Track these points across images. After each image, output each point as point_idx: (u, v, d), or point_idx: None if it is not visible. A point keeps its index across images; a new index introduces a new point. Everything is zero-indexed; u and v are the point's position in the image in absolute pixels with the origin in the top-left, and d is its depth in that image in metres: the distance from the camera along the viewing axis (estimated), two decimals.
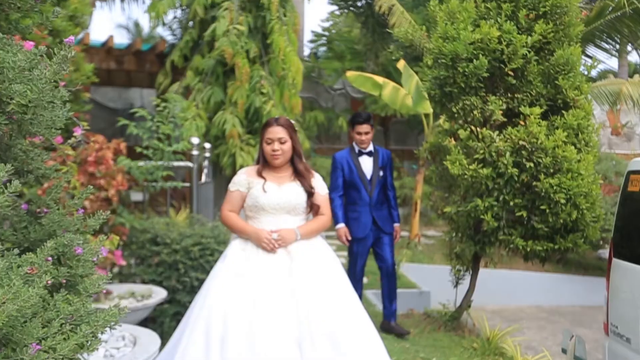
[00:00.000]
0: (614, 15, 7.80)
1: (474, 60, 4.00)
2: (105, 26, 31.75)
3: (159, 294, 3.36)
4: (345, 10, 11.78)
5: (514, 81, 4.14)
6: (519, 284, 8.18)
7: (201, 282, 3.10)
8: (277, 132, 2.84)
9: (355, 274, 4.44)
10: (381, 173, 4.39)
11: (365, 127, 4.30)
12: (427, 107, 7.39)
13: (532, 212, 4.00)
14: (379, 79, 7.88)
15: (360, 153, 4.41)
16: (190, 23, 6.83)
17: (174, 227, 3.74)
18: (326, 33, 12.84)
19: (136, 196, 4.39)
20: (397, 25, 9.57)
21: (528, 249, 4.01)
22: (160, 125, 4.04)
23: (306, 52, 12.98)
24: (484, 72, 4.01)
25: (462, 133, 4.23)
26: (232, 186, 2.87)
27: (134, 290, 3.38)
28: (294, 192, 2.84)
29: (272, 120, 2.89)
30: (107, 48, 7.76)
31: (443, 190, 4.70)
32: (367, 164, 4.39)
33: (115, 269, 3.59)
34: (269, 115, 6.11)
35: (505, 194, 3.99)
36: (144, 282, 3.61)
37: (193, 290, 3.51)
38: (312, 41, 13.08)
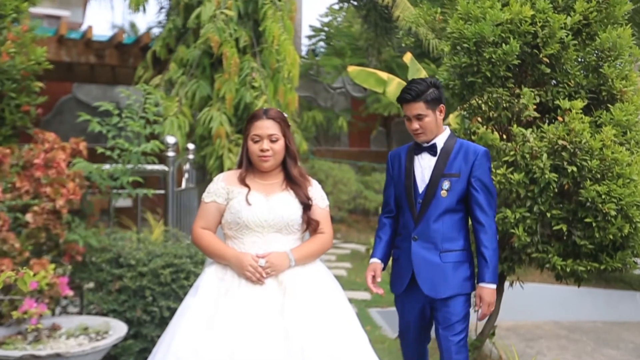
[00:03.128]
0: None
1: (503, 45, 3.37)
2: (102, 27, 31.20)
3: (118, 330, 2.70)
4: (345, 4, 11.19)
5: (548, 70, 3.52)
6: (533, 297, 7.60)
7: (173, 312, 2.45)
8: (266, 127, 2.27)
9: (403, 348, 2.96)
10: (446, 185, 2.68)
11: (415, 108, 2.68)
12: None
13: (573, 225, 3.35)
14: (383, 75, 7.29)
15: (419, 148, 2.80)
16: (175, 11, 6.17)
17: (143, 244, 3.08)
18: (325, 28, 12.26)
19: (123, 202, 3.75)
20: (401, 18, 9.04)
21: (568, 269, 3.36)
22: (128, 121, 3.38)
23: (304, 48, 12.42)
24: (514, 59, 3.38)
25: (487, 133, 3.62)
26: (207, 196, 2.27)
27: (88, 324, 2.72)
28: (286, 204, 2.26)
29: (260, 113, 2.29)
30: (85, 40, 7.09)
31: None
32: (423, 167, 2.77)
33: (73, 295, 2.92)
34: None
35: (540, 204, 3.36)
36: (102, 312, 2.94)
37: (164, 322, 2.86)
38: (310, 37, 12.49)
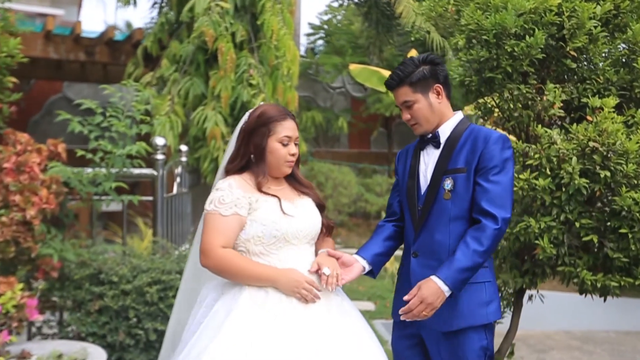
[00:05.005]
0: None
1: (527, 37, 3.07)
2: (98, 26, 30.91)
3: (96, 357, 2.37)
4: (345, 1, 10.93)
5: (574, 65, 3.22)
6: (542, 305, 7.35)
7: (160, 335, 2.13)
8: (294, 128, 2.10)
9: None
10: (448, 184, 2.20)
11: (400, 94, 2.28)
12: None
13: (605, 236, 3.04)
14: (386, 73, 7.04)
15: (423, 141, 2.38)
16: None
17: (128, 258, 2.75)
18: (325, 26, 12.01)
19: (117, 205, 3.43)
20: (404, 15, 8.79)
21: (598, 285, 3.05)
22: (113, 121, 3.06)
23: (302, 47, 12.16)
24: (538, 53, 3.09)
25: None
26: (224, 208, 1.96)
27: (62, 351, 2.41)
28: (312, 211, 2.11)
29: (283, 111, 2.08)
30: (74, 36, 6.77)
31: None
32: (427, 164, 2.34)
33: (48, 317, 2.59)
34: None
35: (568, 212, 3.05)
36: (79, 337, 2.62)
37: (150, 346, 2.53)
38: (309, 34, 12.24)
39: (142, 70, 5.96)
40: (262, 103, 2.18)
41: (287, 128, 2.07)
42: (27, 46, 6.62)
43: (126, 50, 7.30)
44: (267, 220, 1.98)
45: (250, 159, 2.06)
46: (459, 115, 2.42)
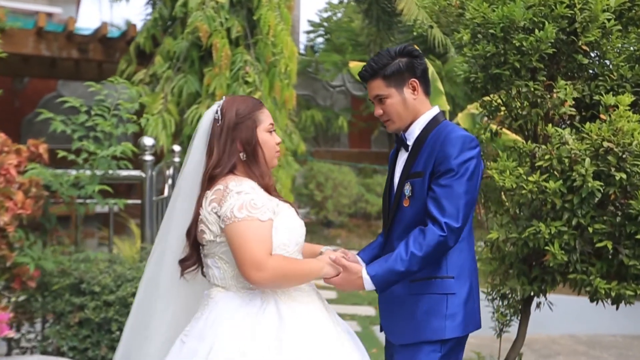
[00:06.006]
0: None
1: (536, 31, 2.91)
2: (97, 25, 30.65)
3: None
4: None
5: (585, 60, 3.06)
6: (547, 309, 7.21)
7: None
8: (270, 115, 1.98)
9: None
10: (407, 190, 2.06)
11: (372, 87, 2.14)
12: (443, 104, 6.50)
13: (620, 242, 2.88)
14: None
15: (401, 142, 2.20)
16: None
17: (112, 266, 2.58)
18: (325, 24, 11.88)
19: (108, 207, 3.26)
20: (405, 12, 8.67)
21: (613, 294, 2.89)
22: (98, 120, 2.89)
23: (302, 45, 12.02)
24: (548, 48, 2.92)
25: (507, 134, 3.16)
26: (261, 212, 1.77)
27: None
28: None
29: (255, 99, 1.95)
30: (67, 33, 6.61)
31: (482, 209, 3.59)
32: (399, 167, 2.21)
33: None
34: None
35: (580, 217, 2.88)
36: (59, 351, 2.45)
37: None
38: (308, 32, 12.10)
39: (135, 67, 5.80)
40: (224, 98, 1.94)
41: (268, 115, 1.94)
42: (19, 43, 6.46)
43: (121, 47, 7.13)
44: (292, 226, 1.86)
45: (238, 159, 1.88)
46: (431, 112, 2.20)
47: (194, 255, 1.88)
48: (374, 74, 2.11)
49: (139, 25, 6.47)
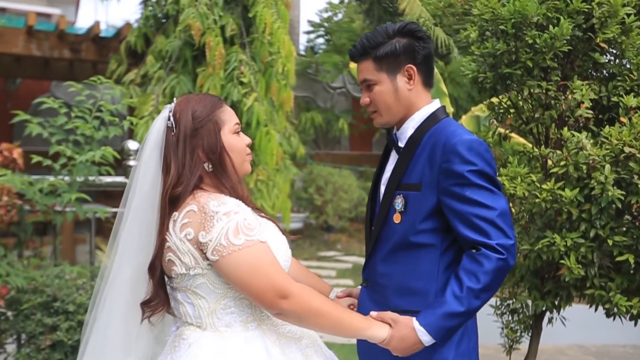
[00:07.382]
0: None
1: (550, 27, 2.73)
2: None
3: None
4: None
5: (602, 59, 2.87)
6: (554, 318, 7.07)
7: None
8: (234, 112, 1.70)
9: None
10: (399, 203, 1.71)
11: (360, 69, 1.79)
12: (446, 106, 6.35)
13: None
14: None
15: (391, 142, 1.85)
16: None
17: (89, 282, 2.37)
18: (325, 24, 11.76)
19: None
20: (407, 12, 8.51)
21: (634, 312, 2.69)
22: (78, 122, 2.68)
23: (302, 45, 11.88)
24: (563, 45, 2.73)
25: (515, 137, 2.96)
26: (258, 233, 1.51)
27: None
28: None
29: (213, 96, 1.66)
30: (58, 32, 6.42)
31: None
32: (387, 172, 1.85)
33: None
34: (250, 112, 4.72)
35: (599, 228, 2.69)
36: None
37: None
38: (308, 32, 11.99)
39: (127, 67, 5.61)
40: (175, 100, 1.63)
41: (231, 113, 1.62)
42: (9, 42, 6.29)
43: (115, 47, 6.93)
44: (278, 246, 1.58)
45: (203, 170, 1.58)
46: (430, 107, 1.82)
47: (159, 294, 1.56)
48: (364, 53, 1.75)
49: (129, 22, 6.30)
